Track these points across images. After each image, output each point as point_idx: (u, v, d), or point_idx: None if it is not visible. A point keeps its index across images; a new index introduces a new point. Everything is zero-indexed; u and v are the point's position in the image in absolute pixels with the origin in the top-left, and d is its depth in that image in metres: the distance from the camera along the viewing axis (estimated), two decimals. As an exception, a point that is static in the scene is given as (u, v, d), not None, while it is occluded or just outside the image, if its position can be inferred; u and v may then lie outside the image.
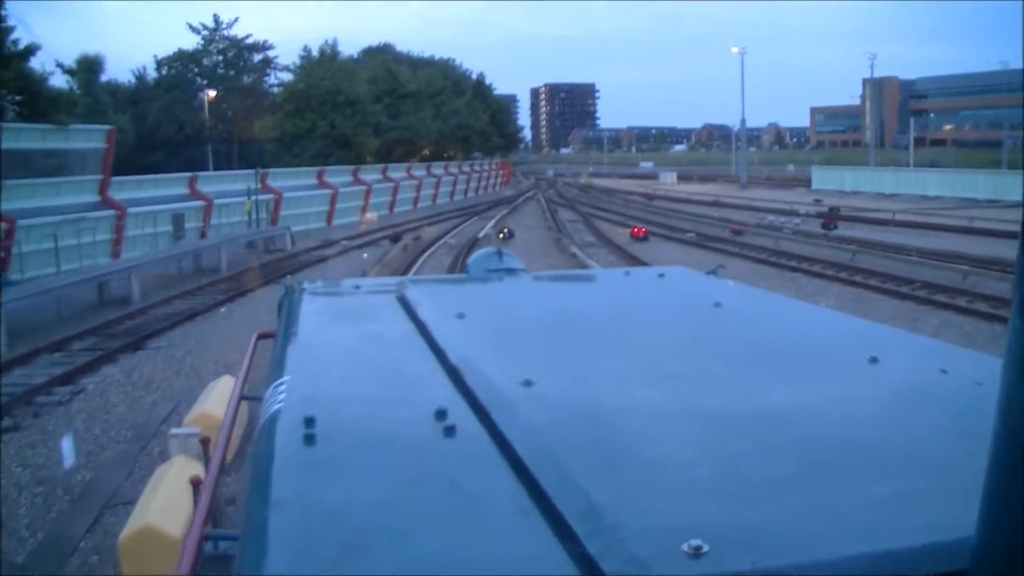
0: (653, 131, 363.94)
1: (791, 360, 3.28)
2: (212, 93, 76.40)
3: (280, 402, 2.77)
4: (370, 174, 68.59)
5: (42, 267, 31.55)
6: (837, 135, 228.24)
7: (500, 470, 2.19)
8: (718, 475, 2.10)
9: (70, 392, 17.86)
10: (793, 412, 2.57)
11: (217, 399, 13.24)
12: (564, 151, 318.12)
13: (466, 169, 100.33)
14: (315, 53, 74.80)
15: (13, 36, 39.86)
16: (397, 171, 74.61)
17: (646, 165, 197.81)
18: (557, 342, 3.57)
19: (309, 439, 2.39)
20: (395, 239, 47.18)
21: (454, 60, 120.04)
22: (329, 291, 5.51)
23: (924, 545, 1.73)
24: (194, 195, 47.22)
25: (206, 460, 4.62)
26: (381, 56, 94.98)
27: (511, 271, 5.90)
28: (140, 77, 78.54)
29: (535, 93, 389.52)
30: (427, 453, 2.32)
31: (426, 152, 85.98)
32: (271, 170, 57.53)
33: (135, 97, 74.15)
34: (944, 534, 1.74)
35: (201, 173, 50.86)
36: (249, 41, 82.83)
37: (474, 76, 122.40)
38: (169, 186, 46.86)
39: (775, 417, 2.52)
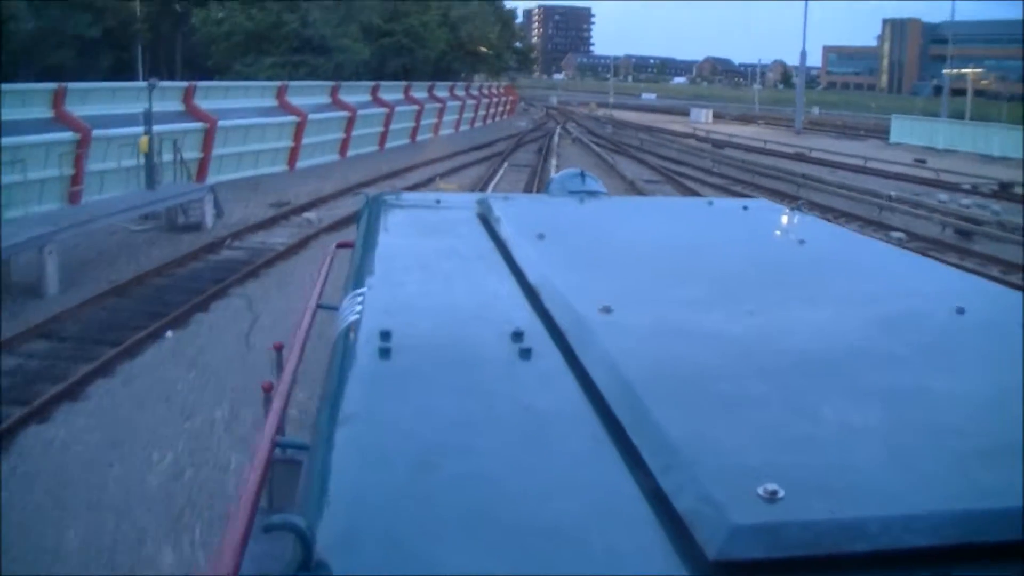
0: (651, 61, 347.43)
1: (875, 304, 3.12)
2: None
3: (357, 313, 2.79)
4: (355, 94, 48.50)
5: None
6: (850, 77, 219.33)
7: (575, 396, 2.19)
8: (796, 419, 2.05)
9: None
10: (876, 359, 2.50)
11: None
12: (557, 77, 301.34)
13: (474, 93, 79.94)
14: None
15: None
16: (392, 92, 54.52)
17: (648, 96, 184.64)
18: (637, 269, 3.51)
19: (384, 352, 2.39)
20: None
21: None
22: (409, 204, 5.46)
23: (1003, 509, 1.66)
24: (62, 120, 27.50)
25: (279, 366, 4.03)
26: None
27: (593, 194, 5.64)
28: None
29: (528, 14, 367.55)
30: (502, 374, 2.32)
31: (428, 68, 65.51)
32: (201, 84, 37.40)
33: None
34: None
35: (75, 85, 30.21)
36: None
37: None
38: (18, 104, 26.67)
39: (857, 363, 2.45)
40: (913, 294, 3.34)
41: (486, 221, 4.32)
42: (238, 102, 37.66)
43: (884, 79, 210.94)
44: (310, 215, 27.37)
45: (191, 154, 33.07)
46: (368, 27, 55.55)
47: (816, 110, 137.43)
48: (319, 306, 4.16)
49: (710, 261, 3.74)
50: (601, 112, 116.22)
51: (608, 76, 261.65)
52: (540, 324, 2.67)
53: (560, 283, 2.97)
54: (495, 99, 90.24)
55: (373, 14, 57.17)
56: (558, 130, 73.54)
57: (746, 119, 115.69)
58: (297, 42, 48.53)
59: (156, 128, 28.16)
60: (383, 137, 51.26)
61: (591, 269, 3.41)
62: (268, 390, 3.68)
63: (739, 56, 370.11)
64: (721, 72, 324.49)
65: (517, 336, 2.48)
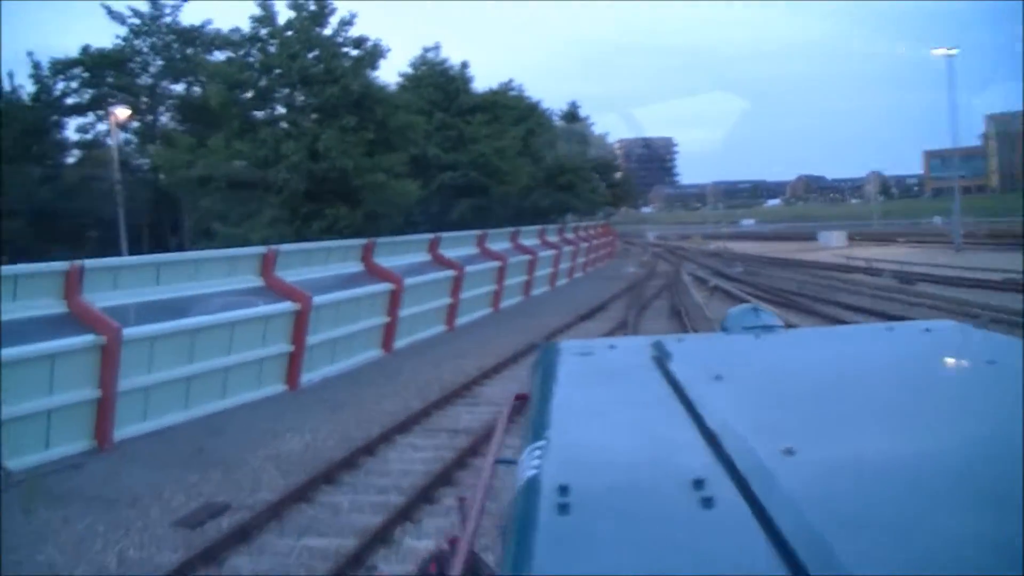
0: (741, 185, 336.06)
1: None
2: (123, 112, 41.75)
3: (534, 468, 2.69)
4: (403, 254, 32.46)
5: None
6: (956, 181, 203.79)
7: (762, 548, 2.06)
8: (1004, 564, 1.87)
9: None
10: None
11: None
12: (646, 210, 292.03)
13: (570, 236, 63.96)
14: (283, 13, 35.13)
15: None
16: (460, 245, 38.40)
17: (747, 223, 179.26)
18: (820, 406, 3.16)
19: (563, 508, 2.33)
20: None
21: (528, 95, 67.87)
22: (582, 350, 4.77)
23: None
24: None
25: (462, 519, 4.09)
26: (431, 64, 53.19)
27: (769, 328, 4.94)
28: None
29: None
30: (684, 526, 2.22)
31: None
32: (93, 264, 20.37)
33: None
34: None
35: None
36: (207, 30, 47.70)
37: (558, 111, 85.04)
38: None
39: None
40: None
41: (661, 364, 3.98)
42: (181, 288, 21.76)
43: (995, 179, 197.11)
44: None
45: (75, 394, 17.63)
46: (421, 158, 39.94)
47: (937, 219, 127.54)
48: (498, 461, 3.96)
49: (897, 391, 3.35)
50: (714, 245, 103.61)
51: (698, 205, 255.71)
52: (721, 470, 2.48)
53: (740, 425, 2.78)
54: (593, 241, 74.26)
55: (428, 142, 41.62)
56: (684, 276, 57.37)
57: (882, 238, 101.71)
58: (307, 183, 32.23)
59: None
60: (451, 312, 35.19)
61: (771, 408, 3.11)
62: (453, 543, 3.80)
63: (831, 171, 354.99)
64: (815, 189, 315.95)
65: (698, 484, 2.35)
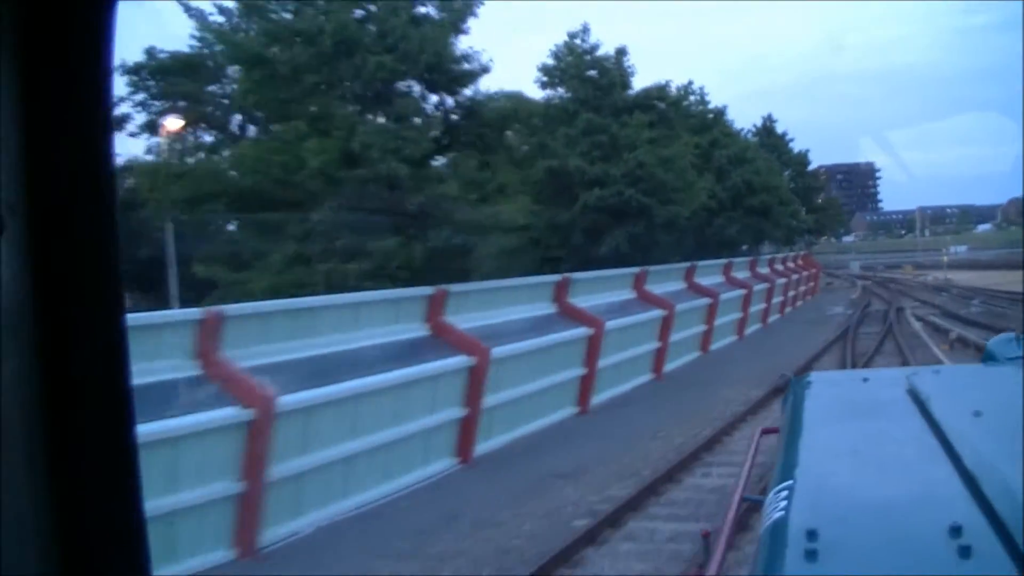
0: (948, 210, 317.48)
1: None
2: (174, 123, 32.38)
3: (782, 509, 2.65)
4: (497, 308, 21.56)
5: None
6: None
7: None
8: None
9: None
10: None
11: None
12: (847, 239, 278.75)
13: (763, 271, 52.18)
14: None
15: None
16: (602, 289, 27.47)
17: (958, 249, 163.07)
18: None
19: (811, 555, 2.27)
20: None
21: (705, 96, 54.92)
22: (834, 383, 5.03)
23: None
24: None
25: (706, 555, 4.21)
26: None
27: None
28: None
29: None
30: None
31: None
32: None
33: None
34: None
35: None
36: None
37: (750, 127, 73.51)
38: None
39: None
40: None
41: (917, 399, 3.95)
42: None
43: None
44: None
45: None
46: (559, 172, 29.28)
47: None
48: (744, 498, 4.05)
49: None
50: (931, 277, 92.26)
51: (902, 232, 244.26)
52: (981, 517, 2.38)
53: (1000, 468, 2.63)
54: (792, 276, 62.19)
55: (570, 151, 31.01)
56: (911, 320, 45.00)
57: None
58: (341, 202, 21.32)
59: None
60: (584, 387, 24.36)
61: None
62: None
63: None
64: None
65: (955, 531, 2.23)
